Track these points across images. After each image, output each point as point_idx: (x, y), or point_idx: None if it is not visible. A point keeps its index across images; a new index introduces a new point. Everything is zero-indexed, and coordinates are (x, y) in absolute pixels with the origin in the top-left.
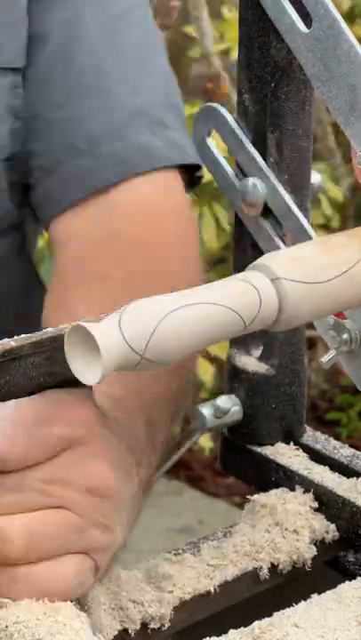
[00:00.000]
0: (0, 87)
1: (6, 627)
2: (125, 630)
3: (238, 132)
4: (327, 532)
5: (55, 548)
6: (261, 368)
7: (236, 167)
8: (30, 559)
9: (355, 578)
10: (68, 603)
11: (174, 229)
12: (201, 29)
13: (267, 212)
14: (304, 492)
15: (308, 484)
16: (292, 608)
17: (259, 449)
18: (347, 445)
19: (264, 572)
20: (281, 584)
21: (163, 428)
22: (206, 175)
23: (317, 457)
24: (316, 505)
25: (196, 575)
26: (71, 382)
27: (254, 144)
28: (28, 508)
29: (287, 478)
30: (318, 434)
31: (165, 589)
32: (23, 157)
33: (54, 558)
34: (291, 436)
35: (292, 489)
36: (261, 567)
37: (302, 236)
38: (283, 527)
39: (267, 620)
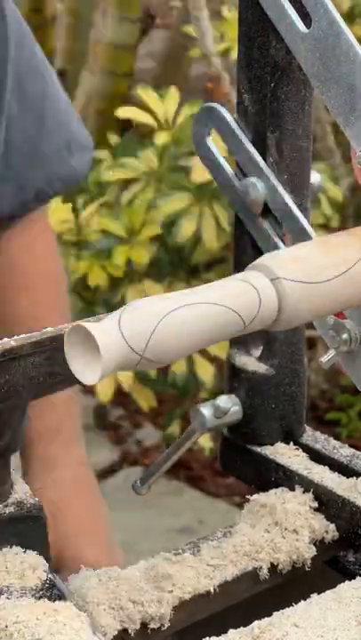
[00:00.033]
0: None
1: (6, 626)
2: (125, 630)
3: (238, 132)
4: (327, 532)
5: None
6: (261, 368)
7: (236, 167)
8: None
9: (354, 578)
10: (68, 603)
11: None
12: (201, 29)
13: (267, 211)
14: (304, 492)
15: (307, 484)
16: (291, 608)
17: (259, 449)
18: (346, 445)
19: (264, 572)
20: (281, 584)
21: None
22: (206, 175)
23: (317, 457)
24: (315, 505)
25: (196, 575)
26: (71, 382)
27: (254, 144)
28: None
29: (287, 478)
30: (318, 434)
31: (165, 589)
32: None
33: None
34: (290, 436)
35: (292, 489)
36: (261, 567)
37: (302, 236)
38: (282, 527)
39: (266, 619)
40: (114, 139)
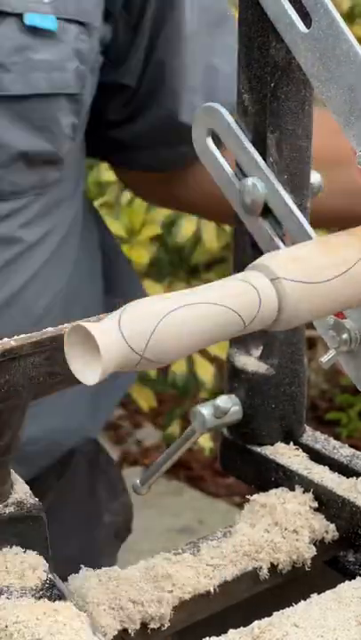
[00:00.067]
0: (69, 32)
1: (6, 626)
2: (125, 630)
3: (238, 132)
4: (327, 532)
5: None
6: (261, 368)
7: (235, 167)
8: None
9: (354, 578)
10: (68, 603)
11: None
12: None
13: (267, 211)
14: (304, 492)
15: (307, 484)
16: (291, 608)
17: (258, 449)
18: (346, 445)
19: (264, 572)
20: (281, 584)
21: None
22: None
23: (317, 457)
24: (315, 505)
25: (196, 575)
26: (71, 382)
27: (254, 144)
28: None
29: (287, 478)
30: (318, 434)
31: (165, 589)
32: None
33: None
34: (290, 436)
35: (292, 489)
36: (261, 567)
37: (302, 236)
38: (282, 527)
39: (266, 619)
40: None
